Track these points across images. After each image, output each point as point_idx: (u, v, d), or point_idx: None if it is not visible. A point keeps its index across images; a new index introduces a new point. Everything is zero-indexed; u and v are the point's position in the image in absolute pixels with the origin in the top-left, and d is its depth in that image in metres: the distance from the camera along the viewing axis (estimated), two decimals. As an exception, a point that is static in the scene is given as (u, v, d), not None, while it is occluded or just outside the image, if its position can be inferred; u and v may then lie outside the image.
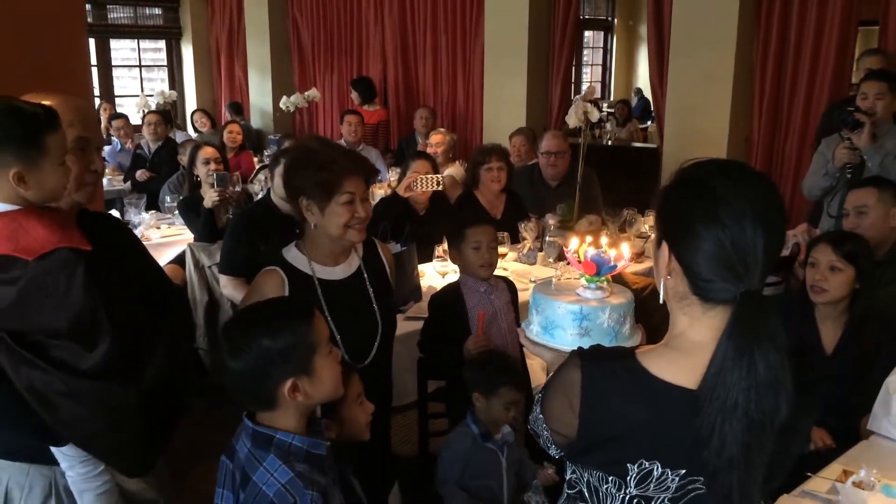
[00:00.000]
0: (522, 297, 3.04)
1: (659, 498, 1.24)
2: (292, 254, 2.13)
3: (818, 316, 2.63)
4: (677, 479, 1.22)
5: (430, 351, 2.79)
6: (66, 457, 1.72)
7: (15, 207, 1.61)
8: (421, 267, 3.56)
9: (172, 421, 1.83)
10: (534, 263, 3.92)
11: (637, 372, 1.23)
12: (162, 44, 9.90)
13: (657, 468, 1.22)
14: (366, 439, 1.88)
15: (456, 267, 3.21)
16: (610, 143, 8.12)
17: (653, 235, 1.34)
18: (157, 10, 9.58)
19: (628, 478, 1.24)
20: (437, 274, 3.61)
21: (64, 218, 1.65)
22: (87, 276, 1.57)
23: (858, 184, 3.10)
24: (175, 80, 9.95)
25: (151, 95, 7.67)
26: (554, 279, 1.67)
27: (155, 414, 1.70)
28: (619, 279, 2.82)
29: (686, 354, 1.22)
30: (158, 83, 9.96)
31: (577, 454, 1.31)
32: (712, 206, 1.17)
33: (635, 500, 1.26)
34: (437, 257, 3.82)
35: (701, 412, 1.16)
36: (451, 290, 2.80)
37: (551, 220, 4.17)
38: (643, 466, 1.23)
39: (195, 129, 7.33)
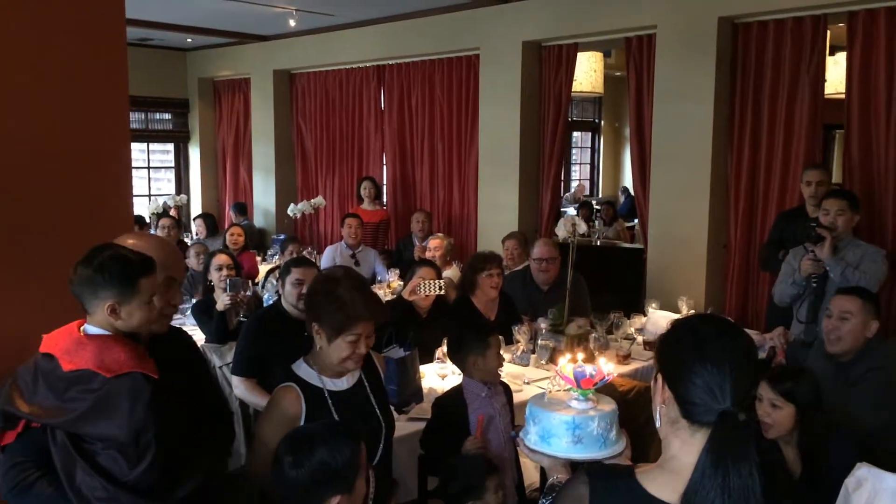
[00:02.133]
0: (517, 397, 3.30)
1: None
2: (303, 370, 2.38)
3: (779, 442, 2.69)
4: None
5: (431, 449, 3.01)
6: None
7: (106, 332, 1.94)
8: (422, 368, 3.79)
9: None
10: (527, 365, 4.16)
11: (637, 491, 1.45)
12: (170, 146, 10.35)
13: None
14: None
15: (454, 368, 3.47)
16: (598, 242, 8.46)
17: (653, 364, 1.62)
18: (167, 115, 10.07)
19: None
20: (437, 376, 3.84)
21: (141, 350, 1.97)
22: (151, 401, 1.88)
23: (842, 291, 3.28)
24: (181, 181, 10.36)
25: (162, 195, 7.99)
26: (546, 392, 1.91)
27: None
28: (606, 384, 3.07)
29: (677, 476, 1.44)
30: (165, 183, 10.38)
31: None
32: (699, 349, 1.45)
33: None
34: (437, 359, 4.06)
35: None
36: (455, 393, 3.05)
37: (543, 324, 4.44)
38: None
39: (192, 234, 7.66)
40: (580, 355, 1.85)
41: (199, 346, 2.52)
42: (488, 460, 2.69)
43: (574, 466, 1.74)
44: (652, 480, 1.46)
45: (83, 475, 1.88)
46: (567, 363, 1.86)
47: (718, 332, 1.49)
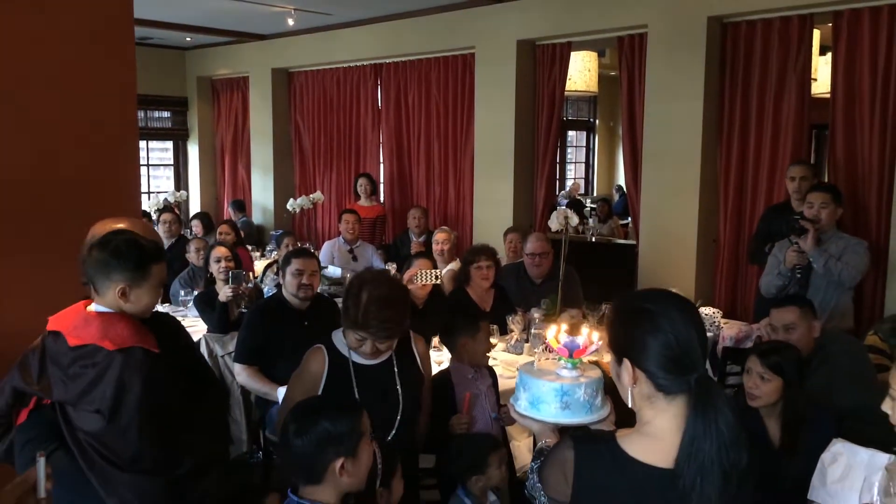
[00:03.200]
0: (505, 383, 3.42)
1: None
2: (338, 338, 2.52)
3: (763, 414, 2.85)
4: None
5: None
6: None
7: (111, 311, 2.05)
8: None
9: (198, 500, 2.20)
10: (521, 353, 4.27)
11: (618, 454, 1.55)
12: (169, 144, 10.45)
13: None
14: None
15: (447, 355, 3.60)
16: (593, 239, 8.57)
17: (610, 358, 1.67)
18: (166, 114, 10.17)
19: None
20: (433, 363, 3.96)
21: (143, 326, 2.10)
22: (149, 373, 2.01)
23: (777, 304, 3.39)
24: (180, 179, 10.46)
25: (161, 192, 8.11)
26: (535, 361, 2.02)
27: (180, 496, 2.09)
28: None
29: (656, 440, 1.54)
30: (164, 181, 10.47)
31: None
32: (653, 321, 1.54)
33: None
34: (434, 347, 4.17)
35: (682, 475, 1.47)
36: (443, 376, 3.18)
37: (536, 314, 4.56)
38: None
39: (191, 232, 7.78)
40: (564, 326, 1.96)
41: (187, 330, 2.62)
42: (493, 438, 2.82)
43: (562, 431, 1.84)
44: (633, 444, 1.56)
45: (90, 451, 2.01)
46: (557, 334, 1.96)
47: (665, 304, 1.57)
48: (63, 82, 2.99)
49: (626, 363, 1.57)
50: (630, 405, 1.61)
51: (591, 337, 1.90)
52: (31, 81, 2.91)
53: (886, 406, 1.71)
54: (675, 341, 1.51)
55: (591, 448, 1.59)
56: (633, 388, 1.57)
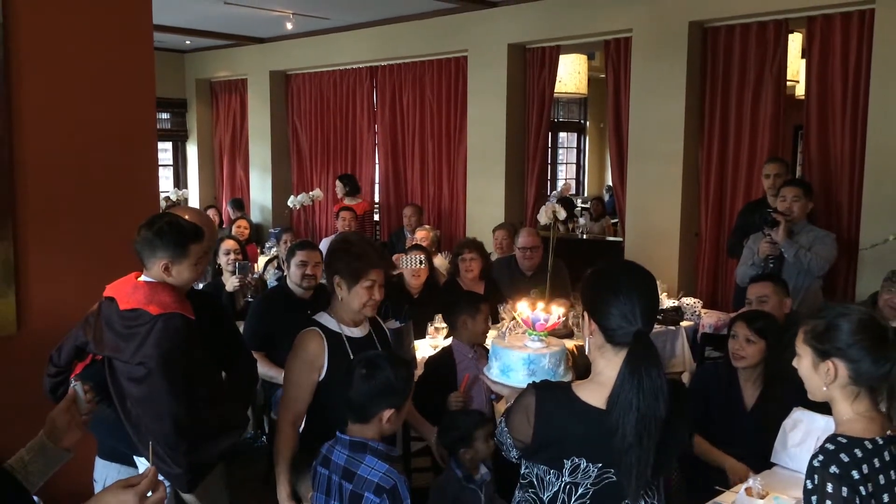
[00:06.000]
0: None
1: (584, 483, 1.82)
2: (325, 318, 2.75)
3: (741, 378, 3.19)
4: (596, 470, 1.81)
5: (420, 403, 3.37)
6: (140, 465, 2.39)
7: (156, 280, 2.33)
8: (415, 342, 4.15)
9: (215, 459, 2.46)
10: (511, 340, 4.53)
11: (572, 398, 1.84)
12: (168, 145, 10.65)
13: (583, 462, 1.81)
14: None
15: (444, 343, 3.85)
16: (584, 236, 8.82)
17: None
18: (165, 115, 10.38)
19: (563, 469, 1.82)
20: (429, 347, 4.21)
21: (183, 296, 2.38)
22: (188, 338, 2.28)
23: (755, 279, 3.74)
24: (179, 178, 10.68)
25: (165, 192, 8.39)
26: (506, 334, 2.28)
27: (200, 452, 2.34)
28: (581, 352, 3.41)
29: (604, 387, 1.81)
30: (163, 181, 10.69)
31: (530, 454, 1.89)
32: (613, 286, 1.84)
33: (568, 486, 1.83)
34: (429, 335, 4.42)
35: (611, 412, 1.76)
36: (445, 354, 3.43)
37: (526, 304, 4.81)
38: (574, 462, 1.81)
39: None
40: (527, 303, 2.20)
41: (224, 307, 2.88)
42: (481, 414, 3.06)
43: None
44: (584, 390, 1.85)
45: (132, 405, 2.28)
46: (527, 309, 2.20)
47: (627, 272, 1.90)
48: (89, 88, 3.24)
49: (586, 317, 1.89)
50: (587, 353, 1.90)
51: (551, 310, 2.15)
52: (63, 88, 3.16)
53: (795, 362, 1.97)
54: (625, 301, 1.81)
55: (549, 393, 1.87)
56: (590, 338, 1.88)
